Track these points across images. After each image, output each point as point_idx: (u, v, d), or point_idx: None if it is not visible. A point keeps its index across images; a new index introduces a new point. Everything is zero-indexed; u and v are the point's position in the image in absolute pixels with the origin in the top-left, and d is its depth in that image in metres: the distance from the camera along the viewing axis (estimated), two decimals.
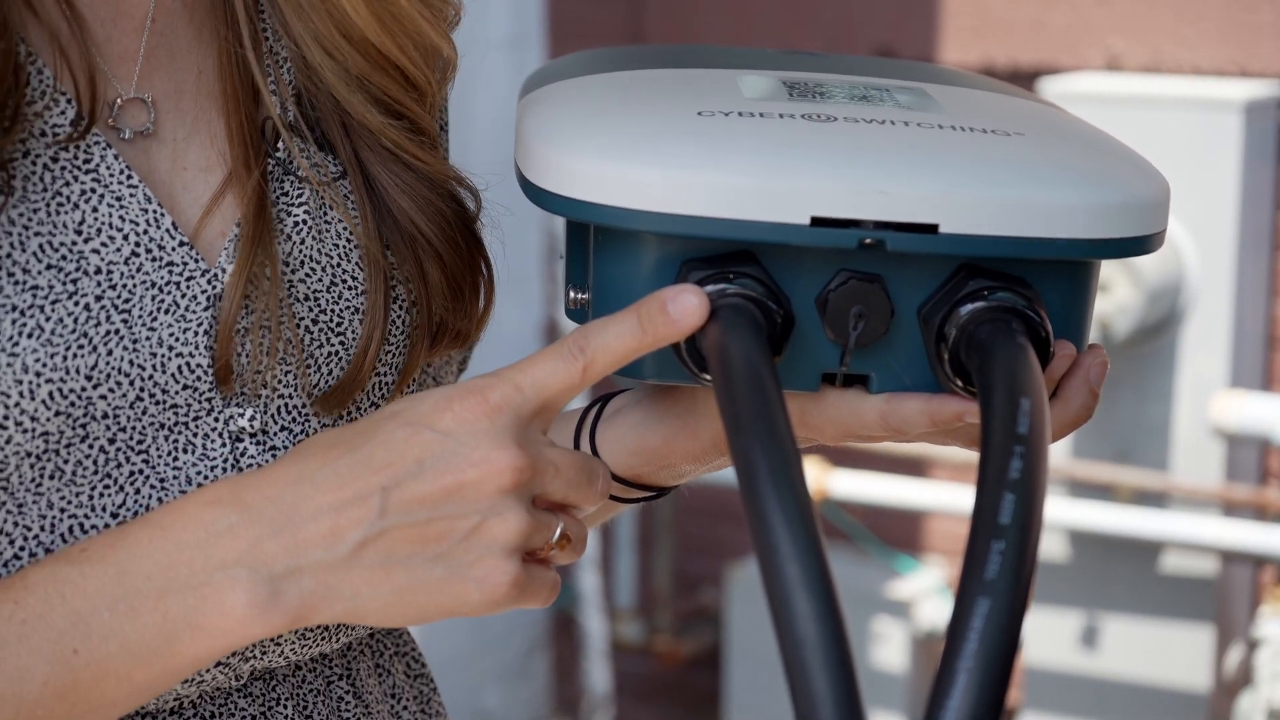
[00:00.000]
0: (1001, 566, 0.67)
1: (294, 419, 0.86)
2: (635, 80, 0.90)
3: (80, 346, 0.80)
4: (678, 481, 0.94)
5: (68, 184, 0.82)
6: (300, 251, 0.87)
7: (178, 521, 0.75)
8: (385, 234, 0.89)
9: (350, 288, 0.88)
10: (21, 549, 0.80)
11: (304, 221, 0.88)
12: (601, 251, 0.83)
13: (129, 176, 0.83)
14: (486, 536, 0.74)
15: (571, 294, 0.87)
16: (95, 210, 0.82)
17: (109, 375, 0.81)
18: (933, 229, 0.78)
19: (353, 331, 0.88)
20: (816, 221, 0.78)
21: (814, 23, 3.13)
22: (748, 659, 3.03)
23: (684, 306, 0.76)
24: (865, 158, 0.78)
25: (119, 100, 0.85)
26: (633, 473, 0.93)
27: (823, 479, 2.76)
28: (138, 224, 0.83)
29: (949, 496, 2.74)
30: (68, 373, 0.79)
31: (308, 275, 0.87)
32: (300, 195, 0.88)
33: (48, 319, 0.79)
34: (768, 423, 0.70)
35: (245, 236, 0.85)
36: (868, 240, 0.78)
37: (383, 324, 0.88)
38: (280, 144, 0.88)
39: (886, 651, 2.95)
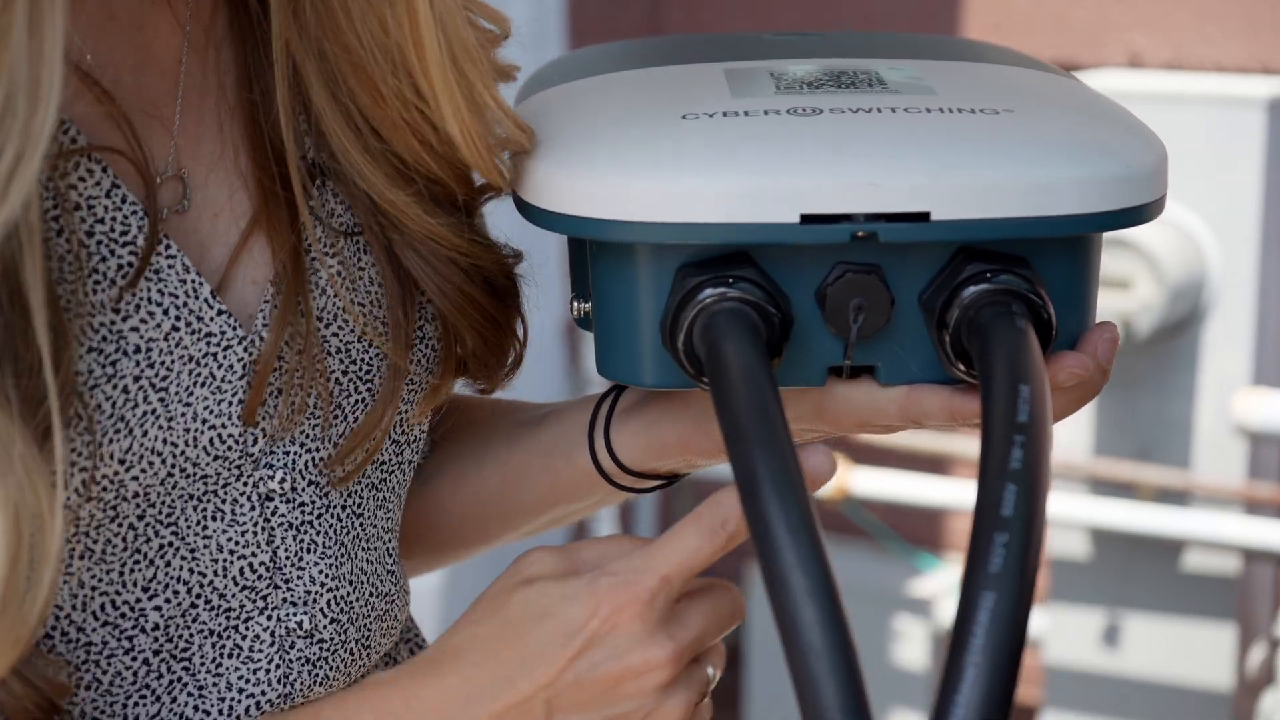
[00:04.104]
0: (1005, 559, 0.66)
1: (320, 472, 0.85)
2: (619, 84, 0.89)
3: (117, 431, 0.78)
4: (689, 471, 0.94)
5: (104, 259, 0.78)
6: (334, 305, 0.85)
7: None
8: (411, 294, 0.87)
9: (380, 333, 0.86)
10: (54, 627, 0.80)
11: (338, 274, 0.85)
12: (598, 263, 0.83)
13: (167, 247, 0.80)
14: None
15: (575, 304, 0.87)
16: (133, 285, 0.79)
17: (141, 457, 0.79)
18: (924, 217, 0.77)
19: (380, 377, 0.87)
20: (807, 219, 0.77)
21: (833, 18, 3.12)
22: (767, 655, 3.03)
23: (818, 469, 0.77)
24: (852, 151, 0.78)
25: (160, 178, 0.82)
26: (646, 466, 0.93)
27: (843, 476, 2.76)
28: (176, 297, 0.80)
29: (970, 494, 2.72)
30: (101, 459, 0.77)
31: (340, 328, 0.85)
32: (335, 244, 0.85)
33: (85, 406, 0.77)
34: (766, 430, 0.70)
35: (280, 303, 0.83)
36: (860, 233, 0.77)
37: (399, 378, 0.87)
38: (312, 193, 0.85)
39: (907, 649, 2.94)
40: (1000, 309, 0.76)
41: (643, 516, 3.31)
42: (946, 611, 2.94)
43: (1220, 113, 2.55)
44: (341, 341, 0.85)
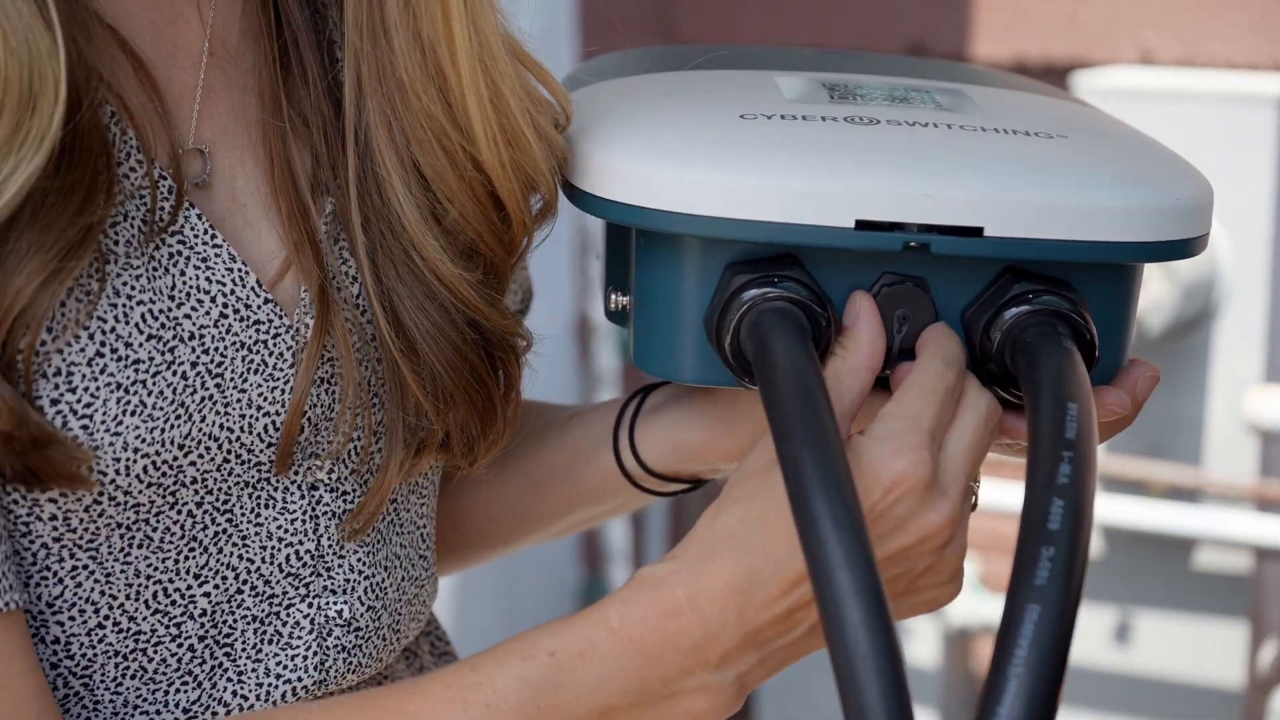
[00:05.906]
0: (1051, 572, 0.66)
1: (361, 460, 0.86)
2: (675, 81, 0.90)
3: (177, 417, 0.79)
4: (713, 476, 0.94)
5: (158, 247, 0.80)
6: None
7: (644, 636, 0.76)
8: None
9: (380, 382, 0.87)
10: (106, 617, 0.80)
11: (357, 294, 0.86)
12: (644, 255, 0.83)
13: (213, 236, 0.81)
14: (935, 574, 0.78)
15: (613, 297, 0.87)
16: (184, 274, 0.80)
17: (200, 441, 0.80)
18: (978, 232, 0.77)
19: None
20: (861, 225, 0.77)
21: (846, 17, 3.12)
22: None
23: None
24: (910, 160, 0.78)
25: (181, 151, 0.82)
26: (670, 469, 0.93)
27: None
28: (224, 285, 0.81)
29: (982, 492, 2.73)
30: (164, 445, 0.78)
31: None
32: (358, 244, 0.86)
33: (149, 393, 0.78)
34: (815, 429, 0.70)
35: (317, 295, 0.84)
36: (912, 243, 0.78)
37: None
38: (324, 205, 0.86)
39: (918, 648, 2.94)
40: (1046, 329, 0.77)
41: (653, 526, 3.31)
42: (957, 610, 2.94)
43: (1232, 110, 2.55)
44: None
